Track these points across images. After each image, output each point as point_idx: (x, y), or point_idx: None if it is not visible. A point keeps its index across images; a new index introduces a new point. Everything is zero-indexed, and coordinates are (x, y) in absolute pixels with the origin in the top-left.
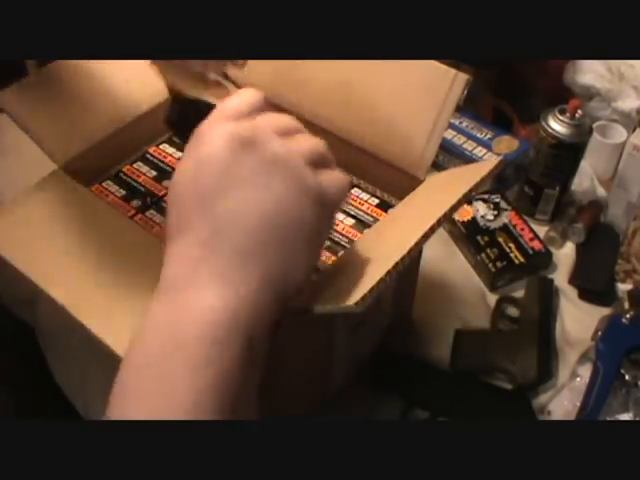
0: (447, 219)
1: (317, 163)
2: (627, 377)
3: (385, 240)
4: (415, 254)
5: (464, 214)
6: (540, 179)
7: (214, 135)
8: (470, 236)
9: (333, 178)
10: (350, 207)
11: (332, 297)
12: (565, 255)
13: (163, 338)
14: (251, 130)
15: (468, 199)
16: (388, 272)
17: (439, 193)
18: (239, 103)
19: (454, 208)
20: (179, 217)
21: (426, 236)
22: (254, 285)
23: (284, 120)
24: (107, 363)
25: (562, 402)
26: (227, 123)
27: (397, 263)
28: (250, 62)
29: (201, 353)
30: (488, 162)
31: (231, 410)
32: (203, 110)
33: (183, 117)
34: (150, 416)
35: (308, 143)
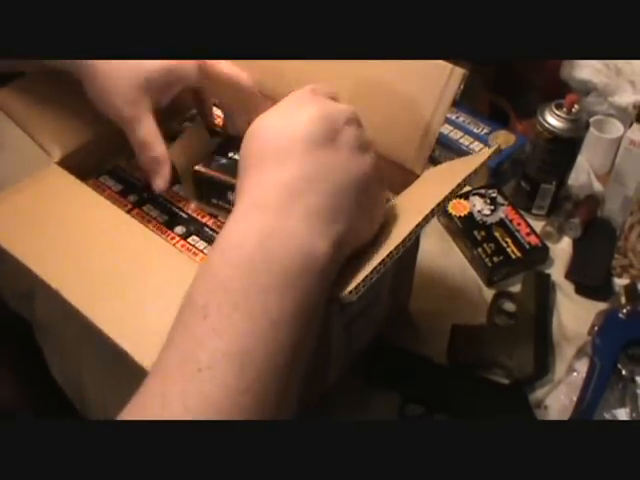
0: (441, 208)
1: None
2: (624, 372)
3: (379, 231)
4: (409, 243)
5: (461, 209)
6: (537, 174)
7: (319, 102)
8: (467, 231)
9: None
10: None
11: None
12: (562, 250)
13: (255, 253)
14: (352, 110)
15: (462, 188)
16: (382, 261)
17: (433, 184)
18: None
19: (448, 198)
20: (277, 150)
21: (420, 225)
22: (336, 236)
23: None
24: (104, 356)
25: (559, 397)
26: (329, 101)
27: (391, 252)
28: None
29: (288, 274)
30: (482, 152)
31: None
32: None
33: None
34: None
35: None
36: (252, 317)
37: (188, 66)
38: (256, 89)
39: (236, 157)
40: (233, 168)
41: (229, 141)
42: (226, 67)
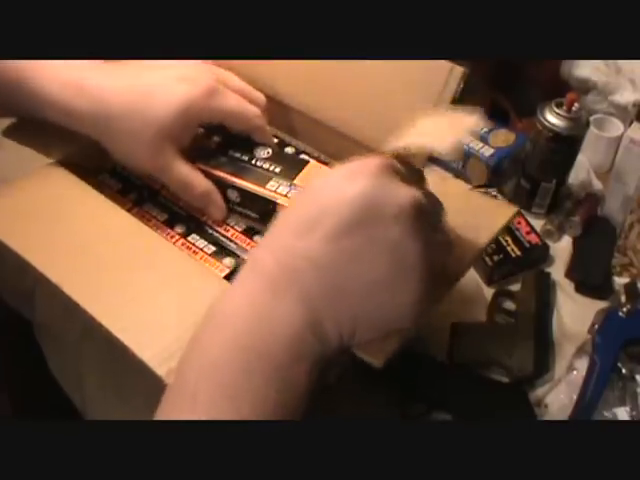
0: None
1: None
2: (624, 370)
3: None
4: None
5: None
6: (537, 173)
7: (381, 186)
8: None
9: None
10: None
11: None
12: (562, 248)
13: (244, 326)
14: (425, 203)
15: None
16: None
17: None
18: (399, 168)
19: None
20: (306, 218)
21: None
22: (339, 325)
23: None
24: (105, 354)
25: (559, 395)
26: (394, 182)
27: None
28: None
29: (276, 354)
30: (501, 210)
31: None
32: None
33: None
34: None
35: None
36: (238, 407)
37: (200, 105)
38: (263, 120)
39: (236, 155)
40: (232, 165)
41: (229, 139)
42: (235, 103)
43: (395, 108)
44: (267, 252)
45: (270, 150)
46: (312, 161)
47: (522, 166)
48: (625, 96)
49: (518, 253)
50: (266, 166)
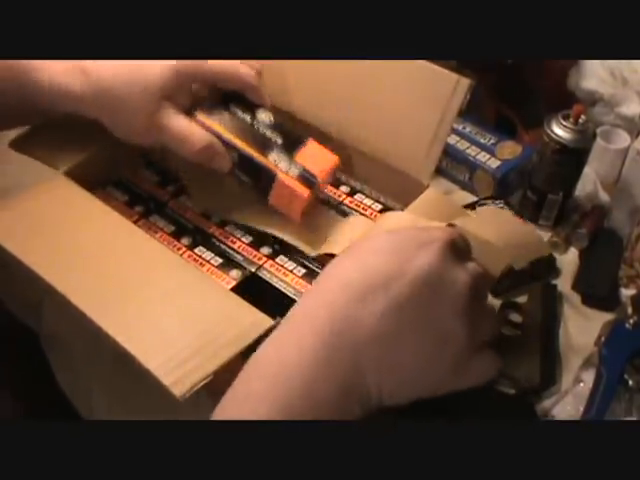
0: None
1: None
2: (630, 383)
3: None
4: None
5: None
6: (543, 185)
7: (461, 273)
8: None
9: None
10: (353, 212)
11: None
12: (568, 261)
13: (296, 379)
14: (473, 281)
15: None
16: None
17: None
18: (462, 244)
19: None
20: (373, 287)
21: None
22: (375, 395)
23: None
24: (113, 369)
25: (565, 407)
26: (466, 267)
27: None
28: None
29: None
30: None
31: None
32: None
33: None
34: None
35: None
36: None
37: (192, 63)
38: (258, 81)
39: (238, 112)
40: (233, 123)
41: (231, 93)
42: (227, 62)
43: (401, 120)
44: (323, 309)
45: (272, 116)
46: (310, 139)
47: (529, 178)
48: (632, 108)
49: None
50: (268, 134)
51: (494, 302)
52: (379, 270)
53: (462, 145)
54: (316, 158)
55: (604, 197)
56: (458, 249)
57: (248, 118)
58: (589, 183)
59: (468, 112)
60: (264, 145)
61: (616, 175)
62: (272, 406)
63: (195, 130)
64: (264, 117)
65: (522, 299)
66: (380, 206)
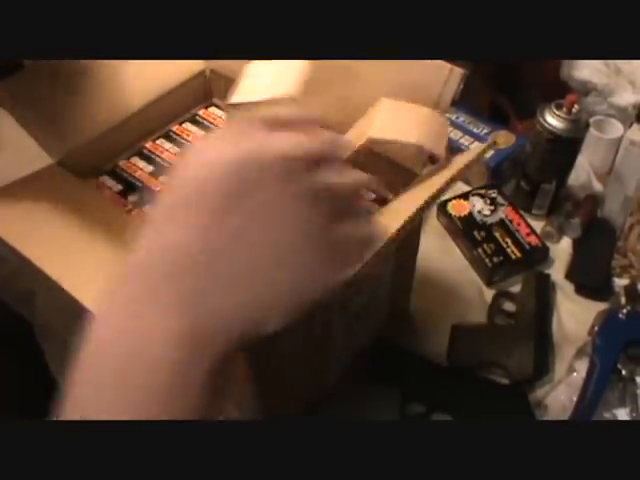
0: (435, 200)
1: (346, 212)
2: (624, 372)
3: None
4: (403, 235)
5: (461, 209)
6: (537, 174)
7: (277, 140)
8: (467, 231)
9: (355, 234)
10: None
11: None
12: (562, 250)
13: (120, 358)
14: (313, 149)
15: (455, 182)
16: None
17: (429, 180)
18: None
19: (440, 191)
20: (180, 200)
21: (412, 219)
22: (221, 325)
23: (330, 148)
24: None
25: (559, 397)
26: (291, 135)
27: (382, 247)
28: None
29: (163, 379)
30: (476, 148)
31: None
32: None
33: None
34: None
35: (346, 184)
36: None
37: None
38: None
39: None
40: None
41: None
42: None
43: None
44: (142, 247)
45: None
46: None
47: (522, 168)
48: (625, 97)
49: (518, 254)
50: None
51: (488, 292)
52: (180, 178)
53: (455, 135)
54: None
55: (597, 187)
56: (274, 122)
57: None
58: (582, 173)
59: (462, 102)
60: None
61: (609, 165)
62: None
63: None
64: None
65: (516, 289)
66: (373, 195)
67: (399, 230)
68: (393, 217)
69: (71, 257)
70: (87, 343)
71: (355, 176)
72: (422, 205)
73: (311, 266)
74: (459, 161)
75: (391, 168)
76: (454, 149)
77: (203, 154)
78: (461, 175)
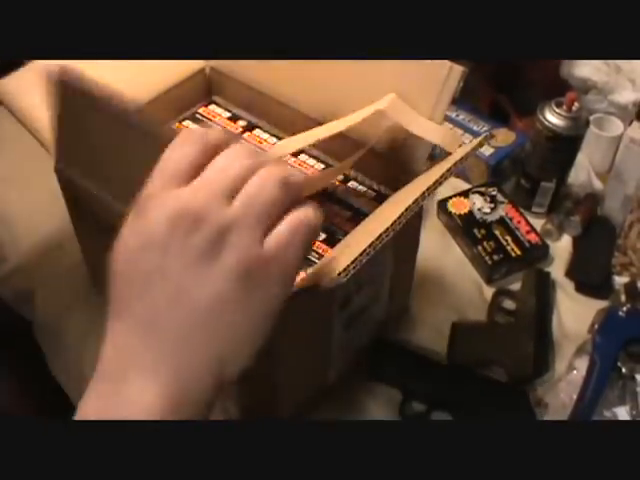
0: (431, 191)
1: (275, 215)
2: (624, 370)
3: (372, 219)
4: (399, 227)
5: (461, 207)
6: (537, 172)
7: (155, 211)
8: (467, 229)
9: (287, 240)
10: (348, 200)
11: (316, 271)
12: (562, 248)
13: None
14: (194, 203)
15: (452, 173)
16: (372, 244)
17: (426, 173)
18: (178, 160)
19: (438, 182)
20: (120, 297)
21: (410, 209)
22: (194, 379)
23: (235, 164)
24: None
25: (559, 395)
26: (168, 195)
27: (380, 235)
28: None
29: None
30: (472, 142)
31: None
32: None
33: None
34: None
35: (267, 189)
36: None
37: None
38: None
39: None
40: None
41: None
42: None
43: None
44: (105, 342)
45: None
46: None
47: (522, 165)
48: (625, 95)
49: (518, 252)
50: None
51: (488, 290)
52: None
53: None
54: None
55: (597, 185)
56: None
57: None
58: (582, 171)
59: (462, 99)
60: None
61: (609, 163)
62: None
63: None
64: None
65: (516, 286)
66: (373, 193)
67: (396, 220)
68: (392, 209)
69: None
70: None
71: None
72: (419, 196)
73: (242, 305)
74: (455, 154)
75: (392, 165)
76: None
77: (119, 244)
78: (457, 167)
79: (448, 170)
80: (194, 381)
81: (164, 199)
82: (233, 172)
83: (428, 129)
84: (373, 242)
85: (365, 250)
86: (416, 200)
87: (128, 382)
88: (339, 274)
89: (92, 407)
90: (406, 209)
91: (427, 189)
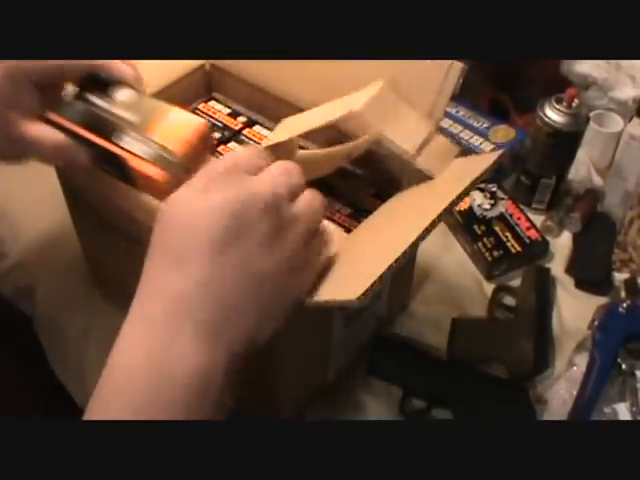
0: (448, 212)
1: (313, 227)
2: (624, 366)
3: (385, 232)
4: (416, 248)
5: (461, 203)
6: (537, 168)
7: (230, 187)
8: (467, 225)
9: (318, 251)
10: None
11: (332, 289)
12: (562, 244)
13: (142, 384)
14: (268, 192)
15: (468, 192)
16: (389, 267)
17: (440, 185)
18: (251, 156)
19: (455, 202)
20: (177, 249)
21: (428, 230)
22: (233, 345)
23: (292, 178)
24: (106, 352)
25: (559, 391)
26: (243, 177)
27: (399, 258)
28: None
29: (181, 401)
30: (489, 155)
31: None
32: None
33: None
34: None
35: (310, 206)
36: None
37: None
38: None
39: (92, 99)
40: (83, 114)
41: (91, 83)
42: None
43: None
44: (150, 296)
45: (133, 93)
46: (176, 108)
47: (522, 162)
48: (625, 92)
49: (518, 249)
50: (123, 115)
51: (488, 286)
52: (177, 228)
53: (455, 129)
54: (178, 129)
55: (597, 181)
56: (245, 166)
57: (101, 103)
58: (582, 167)
59: (462, 96)
60: (114, 129)
61: (609, 159)
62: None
63: (42, 132)
64: (122, 96)
65: (516, 283)
66: (373, 190)
67: (414, 242)
68: (407, 230)
69: None
70: (115, 364)
71: (318, 198)
72: (435, 218)
73: (286, 285)
74: (471, 170)
75: (392, 161)
76: (453, 143)
77: (191, 203)
78: (474, 187)
79: (465, 189)
80: (237, 345)
81: (238, 180)
82: (291, 181)
83: (410, 139)
84: (391, 265)
85: (384, 273)
86: (433, 221)
87: (181, 336)
88: (357, 298)
89: (141, 353)
90: (424, 230)
91: (444, 209)
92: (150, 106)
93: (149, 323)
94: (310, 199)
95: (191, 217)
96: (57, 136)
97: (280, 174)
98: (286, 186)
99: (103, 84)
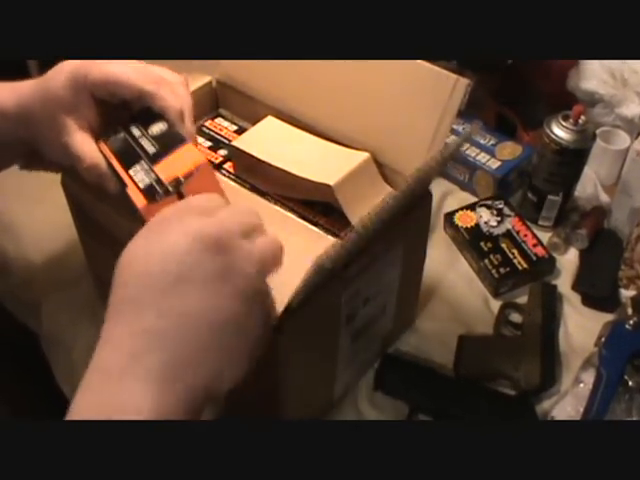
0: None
1: (270, 268)
2: (630, 383)
3: None
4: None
5: (467, 220)
6: (543, 185)
7: (181, 228)
8: (473, 242)
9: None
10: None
11: None
12: (568, 261)
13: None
14: (217, 230)
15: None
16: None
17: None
18: (207, 200)
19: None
20: (128, 298)
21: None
22: (189, 392)
23: (246, 217)
24: None
25: (565, 408)
26: (194, 218)
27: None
28: (252, 65)
29: None
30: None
31: None
32: None
33: None
34: None
35: (266, 245)
36: None
37: (86, 68)
38: (159, 87)
39: (132, 129)
40: (121, 143)
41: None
42: (122, 67)
43: (400, 121)
44: (106, 345)
45: (164, 126)
46: (189, 145)
47: (529, 179)
48: (632, 109)
49: (525, 265)
50: (145, 145)
51: (494, 303)
52: (125, 275)
53: (461, 146)
54: (181, 163)
55: (604, 198)
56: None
57: (138, 134)
58: (589, 184)
59: (468, 113)
60: (132, 158)
61: (616, 176)
62: None
63: (86, 147)
64: (155, 129)
65: (522, 300)
66: None
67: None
68: None
69: None
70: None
71: (275, 240)
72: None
73: (245, 322)
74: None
75: (397, 179)
76: (460, 160)
77: (141, 248)
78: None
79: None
80: (189, 393)
81: (189, 221)
82: (245, 220)
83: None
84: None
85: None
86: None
87: (126, 384)
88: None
89: (87, 403)
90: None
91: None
92: (171, 139)
93: (102, 367)
94: (268, 240)
95: (141, 263)
96: (96, 157)
97: (232, 214)
98: (239, 224)
99: (152, 116)
